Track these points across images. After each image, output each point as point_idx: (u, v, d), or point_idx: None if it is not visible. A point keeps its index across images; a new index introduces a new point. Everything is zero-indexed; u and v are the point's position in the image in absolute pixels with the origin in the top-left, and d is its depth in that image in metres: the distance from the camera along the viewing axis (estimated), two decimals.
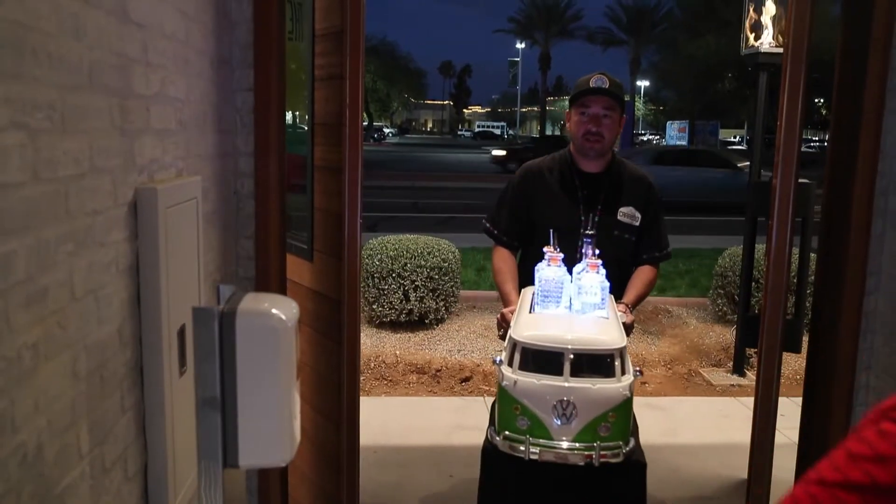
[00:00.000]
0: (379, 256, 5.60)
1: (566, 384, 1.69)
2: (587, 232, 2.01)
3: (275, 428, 1.24)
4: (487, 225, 2.75)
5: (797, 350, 3.44)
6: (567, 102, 2.67)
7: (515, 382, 1.71)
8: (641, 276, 2.64)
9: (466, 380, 4.90)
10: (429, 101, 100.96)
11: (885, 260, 2.52)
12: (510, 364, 1.76)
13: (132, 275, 1.40)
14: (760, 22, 4.73)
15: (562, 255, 2.03)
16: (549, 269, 2.01)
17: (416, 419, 4.18)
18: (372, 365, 5.04)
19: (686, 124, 43.71)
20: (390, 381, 4.89)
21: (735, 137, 52.47)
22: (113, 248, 1.30)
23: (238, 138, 2.25)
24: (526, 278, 2.49)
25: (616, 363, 1.72)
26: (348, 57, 2.29)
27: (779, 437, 2.71)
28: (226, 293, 1.27)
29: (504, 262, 2.65)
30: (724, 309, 6.08)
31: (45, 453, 1.05)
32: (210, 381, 1.20)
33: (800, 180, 2.60)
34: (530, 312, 1.98)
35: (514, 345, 1.77)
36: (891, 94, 2.45)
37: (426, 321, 5.73)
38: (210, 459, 1.22)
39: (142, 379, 1.46)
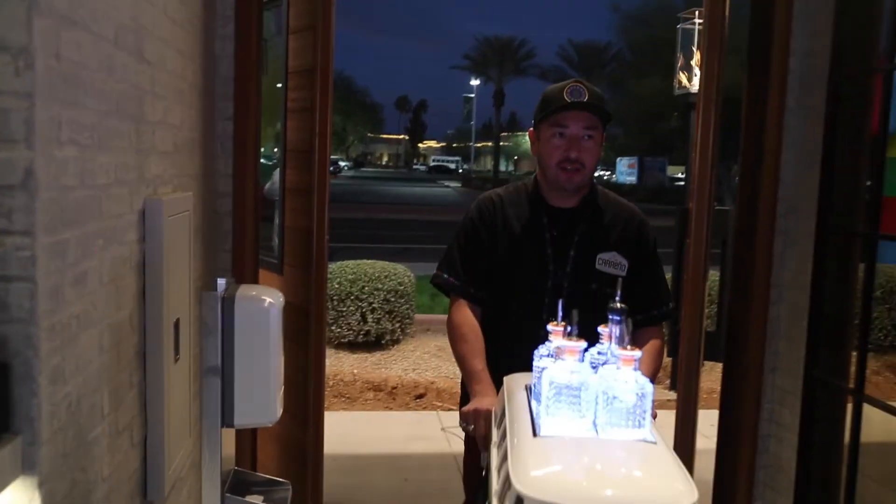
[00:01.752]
0: (338, 280, 5.86)
1: None
2: (616, 305, 1.35)
3: (265, 393, 1.52)
4: (444, 275, 2.09)
5: (720, 359, 3.81)
6: (533, 122, 2.07)
7: None
8: (646, 347, 1.97)
9: (421, 396, 5.17)
10: (384, 135, 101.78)
11: (785, 274, 2.89)
12: None
13: (140, 272, 1.65)
14: (690, 65, 5.20)
15: (583, 346, 1.31)
16: (564, 366, 1.28)
17: (374, 431, 4.43)
18: (331, 383, 5.27)
19: (636, 160, 45.07)
20: (348, 398, 5.13)
21: (682, 174, 54.04)
22: (128, 247, 1.56)
23: (218, 162, 2.53)
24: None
25: None
26: (318, 92, 2.60)
27: (707, 444, 3.02)
28: (222, 284, 1.55)
29: (468, 324, 2.00)
30: (664, 330, 6.47)
31: (82, 405, 1.30)
32: (212, 354, 1.47)
33: (718, 207, 2.97)
34: (535, 435, 1.25)
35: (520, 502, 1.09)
36: (787, 131, 2.85)
37: (382, 342, 6.00)
38: (211, 419, 1.49)
39: (144, 363, 1.71)
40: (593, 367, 1.34)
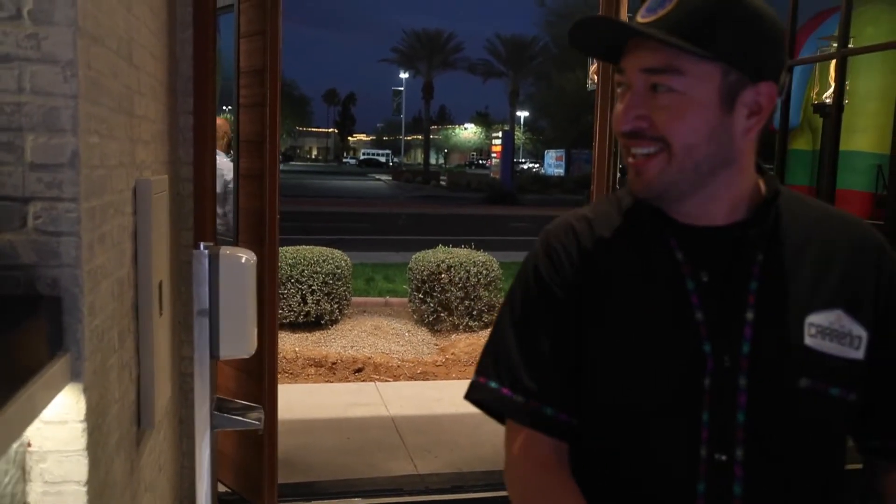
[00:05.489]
0: (278, 264, 6.19)
1: None
2: None
3: (243, 331, 1.91)
4: (492, 385, 1.08)
5: None
6: None
7: None
8: None
9: (359, 370, 5.57)
10: (313, 129, 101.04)
11: None
12: None
13: (133, 239, 2.02)
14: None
15: None
16: None
17: (317, 399, 4.82)
18: None
19: (563, 153, 46.27)
20: (291, 373, 5.48)
21: None
22: (127, 218, 1.93)
23: (181, 150, 2.87)
24: None
25: None
26: (268, 90, 2.97)
27: None
28: (205, 245, 1.93)
29: (556, 484, 1.05)
30: None
31: (104, 337, 1.67)
32: (202, 299, 1.85)
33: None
34: None
35: None
36: None
37: (322, 322, 6.37)
38: (202, 352, 1.88)
39: (137, 315, 2.07)
40: None
